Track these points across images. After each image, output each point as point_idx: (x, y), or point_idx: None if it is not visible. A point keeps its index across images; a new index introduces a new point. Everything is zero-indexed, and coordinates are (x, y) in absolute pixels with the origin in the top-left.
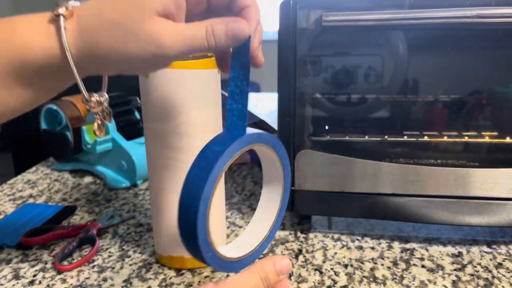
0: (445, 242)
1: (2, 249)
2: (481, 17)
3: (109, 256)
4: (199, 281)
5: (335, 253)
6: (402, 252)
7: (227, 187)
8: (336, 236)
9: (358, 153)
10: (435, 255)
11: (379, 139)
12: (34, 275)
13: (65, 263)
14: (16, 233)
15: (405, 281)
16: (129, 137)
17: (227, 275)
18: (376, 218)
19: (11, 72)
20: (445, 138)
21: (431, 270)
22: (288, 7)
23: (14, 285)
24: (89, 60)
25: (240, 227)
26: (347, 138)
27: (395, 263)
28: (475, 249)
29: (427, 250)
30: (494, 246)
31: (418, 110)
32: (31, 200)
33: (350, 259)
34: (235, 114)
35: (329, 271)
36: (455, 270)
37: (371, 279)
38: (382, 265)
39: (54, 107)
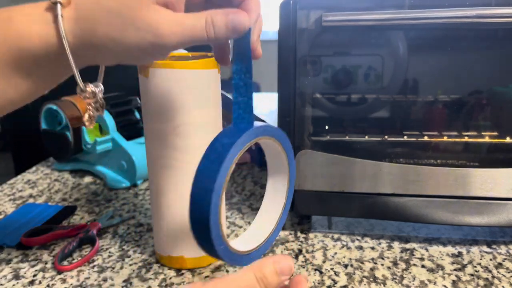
0: (445, 242)
1: (2, 249)
2: (481, 17)
3: (109, 256)
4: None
5: (335, 253)
6: (402, 252)
7: (227, 187)
8: (336, 236)
9: (358, 153)
10: (435, 255)
11: (379, 139)
12: (34, 275)
13: (65, 263)
14: (16, 233)
15: (405, 281)
16: (129, 137)
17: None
18: (376, 218)
19: (9, 62)
20: (445, 138)
21: (431, 270)
22: (288, 7)
23: (14, 285)
24: (86, 49)
25: (240, 227)
26: (347, 138)
27: (395, 263)
28: (475, 249)
29: (427, 250)
30: (494, 246)
31: (418, 110)
32: (31, 200)
33: (350, 259)
34: (241, 107)
35: (329, 271)
36: (455, 270)
37: (371, 279)
38: (382, 265)
39: (54, 107)
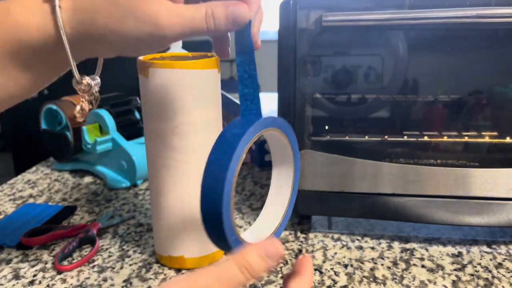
0: (445, 242)
1: (2, 249)
2: (481, 17)
3: (109, 256)
4: None
5: (335, 253)
6: (402, 252)
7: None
8: (336, 236)
9: (358, 153)
10: (435, 255)
11: (379, 139)
12: (34, 275)
13: (65, 263)
14: (16, 233)
15: (405, 281)
16: (129, 137)
17: None
18: (376, 218)
19: (8, 54)
20: (445, 138)
21: (431, 270)
22: (288, 7)
23: (14, 285)
24: (85, 40)
25: (241, 227)
26: (347, 138)
27: (395, 263)
28: (475, 249)
29: (427, 250)
30: (494, 246)
31: (418, 110)
32: (31, 200)
33: (350, 259)
34: (248, 98)
35: (329, 271)
36: (455, 270)
37: (371, 279)
38: (382, 265)
39: (54, 107)
